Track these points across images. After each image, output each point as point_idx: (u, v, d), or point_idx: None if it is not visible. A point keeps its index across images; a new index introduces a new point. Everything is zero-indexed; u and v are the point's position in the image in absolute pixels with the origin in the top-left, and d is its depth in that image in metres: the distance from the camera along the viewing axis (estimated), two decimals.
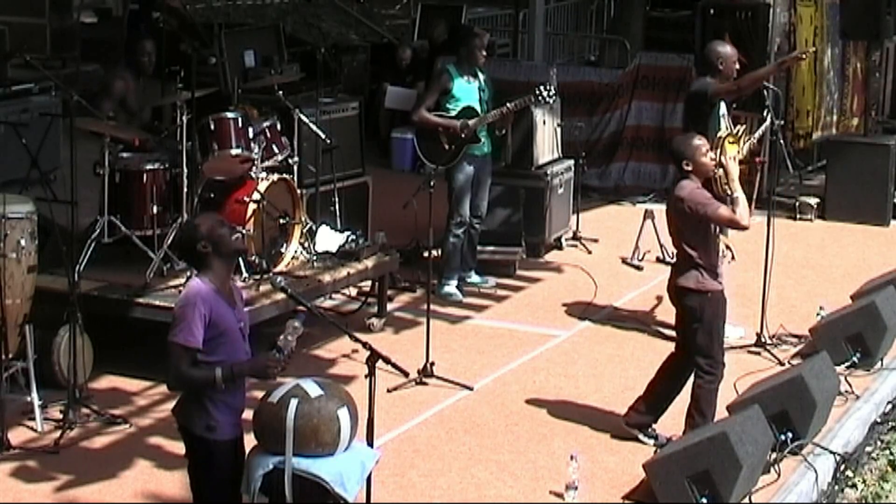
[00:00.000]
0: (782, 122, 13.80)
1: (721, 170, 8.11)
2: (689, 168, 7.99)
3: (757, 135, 10.66)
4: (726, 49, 10.13)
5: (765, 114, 10.50)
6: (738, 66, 10.21)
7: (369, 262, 10.23)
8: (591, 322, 10.70)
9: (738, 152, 8.47)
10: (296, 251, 9.94)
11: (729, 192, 8.02)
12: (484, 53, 11.04)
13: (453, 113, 10.91)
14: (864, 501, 8.26)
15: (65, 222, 8.58)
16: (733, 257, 8.57)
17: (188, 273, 9.01)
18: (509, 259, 11.81)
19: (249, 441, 6.37)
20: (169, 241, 9.27)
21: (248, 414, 6.45)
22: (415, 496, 7.62)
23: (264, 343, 6.42)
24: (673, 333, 10.40)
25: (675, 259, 8.34)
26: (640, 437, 8.34)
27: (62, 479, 7.60)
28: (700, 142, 8.05)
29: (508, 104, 10.86)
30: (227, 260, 6.24)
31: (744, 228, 8.00)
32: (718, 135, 8.61)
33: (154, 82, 10.26)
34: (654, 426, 8.36)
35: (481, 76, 11.02)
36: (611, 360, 9.90)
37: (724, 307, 8.15)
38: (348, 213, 11.00)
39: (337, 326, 7.24)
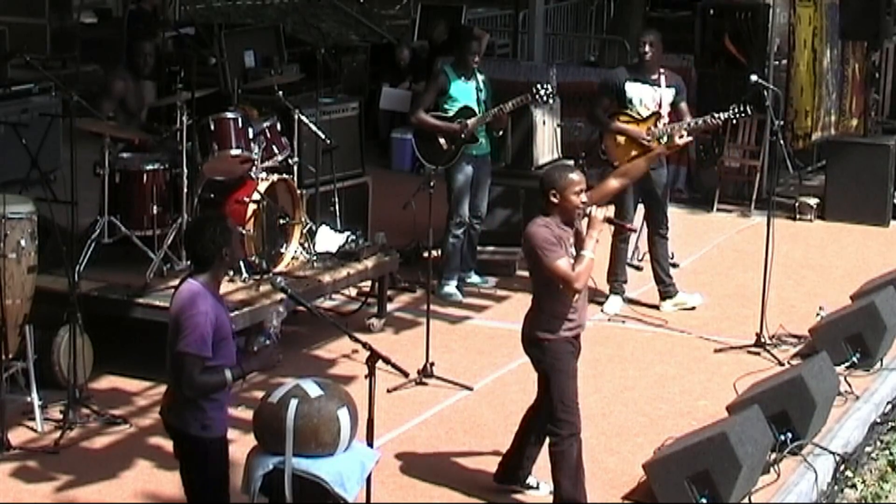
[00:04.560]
0: (782, 123, 13.81)
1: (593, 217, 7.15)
2: (556, 201, 7.08)
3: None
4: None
5: (739, 111, 10.57)
6: (646, 52, 10.63)
7: (369, 263, 10.23)
8: (591, 322, 10.69)
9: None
10: (296, 251, 9.94)
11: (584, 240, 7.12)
12: (476, 60, 11.01)
13: (451, 113, 10.91)
14: (863, 501, 8.26)
15: (65, 222, 8.58)
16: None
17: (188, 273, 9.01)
18: (509, 259, 11.80)
19: (246, 441, 6.38)
20: (169, 241, 9.27)
21: (247, 413, 6.46)
22: (415, 496, 7.62)
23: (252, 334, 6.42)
24: (674, 332, 10.47)
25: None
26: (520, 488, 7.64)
27: (62, 479, 7.60)
28: (578, 177, 7.13)
29: (506, 104, 10.85)
30: (229, 269, 6.30)
31: (576, 291, 7.07)
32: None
33: (147, 83, 10.21)
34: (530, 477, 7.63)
35: (479, 76, 11.01)
36: (611, 360, 9.90)
37: (569, 358, 7.21)
38: (348, 214, 11.00)
39: (337, 327, 7.25)
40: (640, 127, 10.64)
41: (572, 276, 6.97)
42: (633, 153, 10.63)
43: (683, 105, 10.78)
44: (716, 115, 10.56)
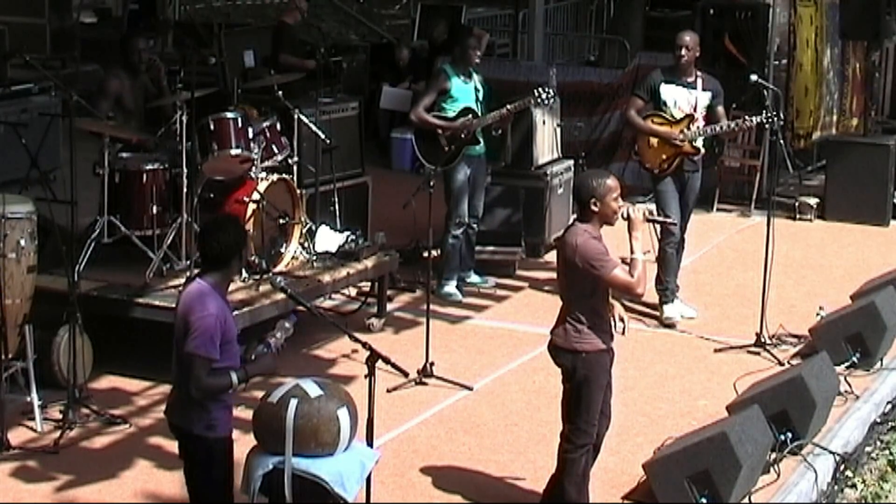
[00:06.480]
0: (782, 122, 13.81)
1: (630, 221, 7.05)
2: (596, 209, 6.95)
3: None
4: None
5: (751, 115, 10.58)
6: (682, 55, 10.55)
7: (369, 262, 10.23)
8: None
9: None
10: (296, 251, 9.94)
11: (630, 251, 6.99)
12: (478, 54, 11.01)
13: (451, 113, 10.90)
14: (863, 501, 8.26)
15: (65, 222, 8.57)
16: (624, 332, 7.12)
17: (188, 273, 9.01)
18: (509, 259, 11.80)
19: (246, 441, 6.37)
20: (168, 241, 9.27)
21: (247, 413, 6.46)
22: (415, 496, 7.62)
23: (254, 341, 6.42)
24: (674, 332, 10.46)
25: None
26: None
27: (62, 479, 7.59)
28: (614, 182, 7.01)
29: (508, 106, 10.85)
30: (239, 270, 6.31)
31: (639, 296, 7.13)
32: None
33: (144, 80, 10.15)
34: None
35: (476, 77, 11.00)
36: None
37: (602, 371, 7.07)
38: (348, 213, 11.00)
39: (337, 326, 7.25)
40: (673, 129, 10.63)
41: (633, 282, 6.90)
42: (665, 155, 10.64)
43: (720, 109, 10.71)
44: (748, 119, 10.58)
